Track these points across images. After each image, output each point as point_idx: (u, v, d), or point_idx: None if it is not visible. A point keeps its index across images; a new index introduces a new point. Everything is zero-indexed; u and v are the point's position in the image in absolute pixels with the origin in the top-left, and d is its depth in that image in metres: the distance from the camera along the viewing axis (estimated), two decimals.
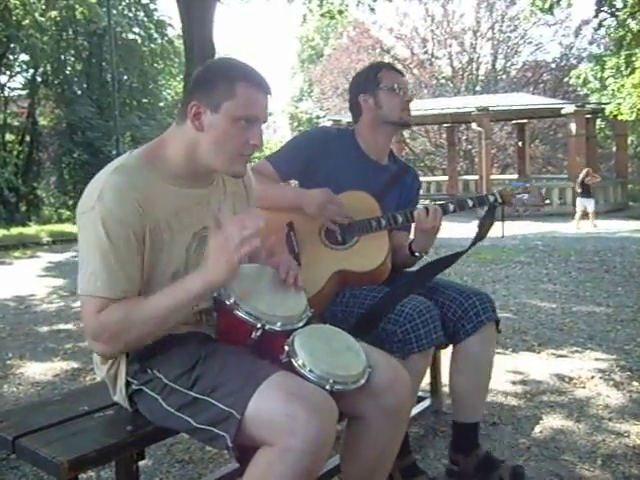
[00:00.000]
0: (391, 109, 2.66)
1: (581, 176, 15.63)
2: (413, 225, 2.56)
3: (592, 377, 3.78)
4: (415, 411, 2.94)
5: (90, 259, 1.70)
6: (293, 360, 1.71)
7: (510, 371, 3.86)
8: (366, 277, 2.51)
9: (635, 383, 3.64)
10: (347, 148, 2.70)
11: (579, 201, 15.43)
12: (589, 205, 15.23)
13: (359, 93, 2.71)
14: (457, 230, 9.01)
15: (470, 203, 2.59)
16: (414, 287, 2.43)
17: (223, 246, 1.59)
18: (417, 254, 2.63)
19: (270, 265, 1.94)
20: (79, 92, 26.28)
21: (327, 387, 1.67)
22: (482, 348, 2.49)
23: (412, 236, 2.65)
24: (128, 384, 1.88)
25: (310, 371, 1.69)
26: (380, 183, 2.69)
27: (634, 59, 16.96)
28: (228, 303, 1.74)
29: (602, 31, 21.61)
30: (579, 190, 15.53)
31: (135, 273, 1.74)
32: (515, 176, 23.75)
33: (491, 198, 2.61)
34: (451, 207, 2.58)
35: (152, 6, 26.96)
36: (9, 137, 26.02)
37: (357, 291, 2.49)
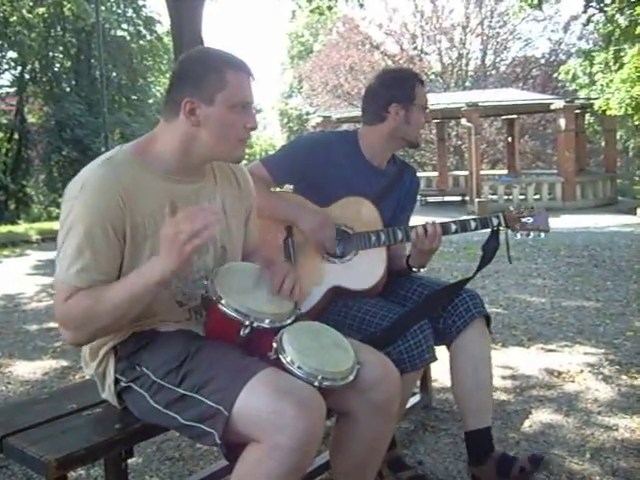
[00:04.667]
0: (416, 127, 2.61)
1: None
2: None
3: (581, 371, 3.79)
4: None
5: (66, 247, 1.71)
6: (281, 357, 1.71)
7: (499, 366, 3.86)
8: (361, 293, 2.49)
9: (624, 377, 3.66)
10: (347, 154, 2.62)
11: None
12: None
13: (392, 102, 2.58)
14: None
15: (473, 225, 2.56)
16: (422, 317, 2.37)
17: (173, 239, 1.60)
18: (414, 269, 2.62)
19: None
20: (68, 89, 26.18)
21: (315, 383, 1.67)
22: (476, 343, 2.48)
23: (409, 251, 2.61)
24: (117, 381, 1.88)
25: (298, 367, 1.69)
26: (378, 188, 2.63)
27: (622, 54, 17.04)
28: (216, 300, 1.74)
29: (591, 27, 21.73)
30: None
31: (108, 267, 1.75)
32: (505, 171, 23.83)
33: (495, 221, 2.57)
34: (453, 227, 2.54)
35: (141, 2, 26.97)
36: None
37: (349, 301, 2.47)
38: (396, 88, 2.61)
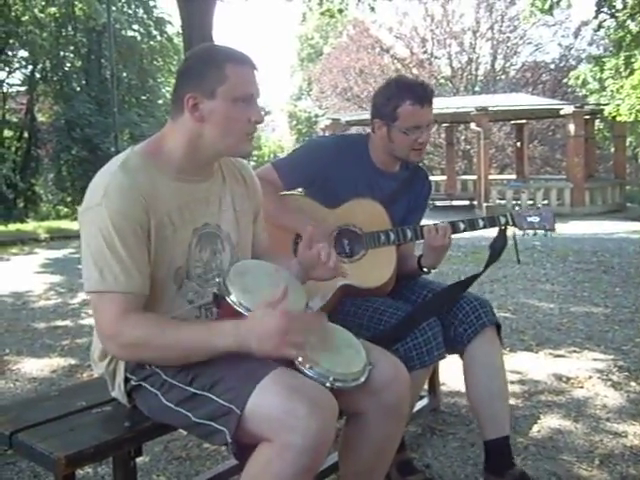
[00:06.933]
0: (401, 148, 2.55)
1: None
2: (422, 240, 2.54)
3: (590, 377, 3.78)
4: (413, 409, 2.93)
5: (99, 255, 1.69)
6: None
7: (508, 371, 3.78)
8: (370, 292, 2.50)
9: (633, 383, 3.64)
10: (357, 158, 2.62)
11: None
12: None
13: (375, 116, 2.59)
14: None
15: (481, 223, 2.58)
16: (430, 314, 2.38)
17: (282, 334, 1.60)
18: (425, 269, 2.62)
19: (309, 255, 1.97)
20: (78, 89, 26.21)
21: (327, 384, 1.67)
22: (487, 352, 2.47)
23: (421, 252, 2.61)
24: (127, 380, 1.87)
25: (310, 368, 1.68)
26: (389, 192, 2.63)
27: (633, 60, 16.94)
28: (229, 299, 1.74)
29: (601, 32, 21.61)
30: None
31: (145, 267, 1.74)
32: (513, 176, 23.75)
33: (502, 220, 2.58)
34: (462, 226, 2.56)
35: (152, 3, 26.89)
36: (7, 133, 25.96)
37: (358, 301, 2.49)
38: (380, 102, 2.58)
